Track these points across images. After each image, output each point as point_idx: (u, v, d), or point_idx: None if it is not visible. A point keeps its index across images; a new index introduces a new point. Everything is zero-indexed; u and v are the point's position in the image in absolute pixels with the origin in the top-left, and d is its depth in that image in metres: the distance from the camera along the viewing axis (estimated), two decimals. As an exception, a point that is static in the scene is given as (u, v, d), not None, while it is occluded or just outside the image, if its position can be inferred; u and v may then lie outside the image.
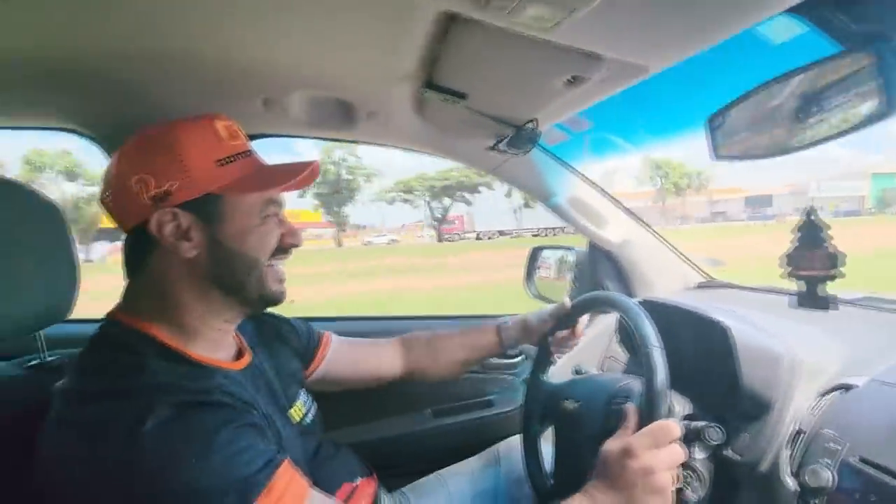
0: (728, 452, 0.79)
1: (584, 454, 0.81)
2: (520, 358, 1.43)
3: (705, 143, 0.65)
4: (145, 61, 0.77)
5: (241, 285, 0.65)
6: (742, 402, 0.80)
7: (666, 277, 1.32)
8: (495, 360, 1.43)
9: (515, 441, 1.05)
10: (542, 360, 1.03)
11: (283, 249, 0.68)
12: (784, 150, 0.51)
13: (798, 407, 0.76)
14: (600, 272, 1.39)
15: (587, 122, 0.96)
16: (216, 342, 0.67)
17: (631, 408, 0.72)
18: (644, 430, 0.66)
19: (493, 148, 1.00)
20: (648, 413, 0.69)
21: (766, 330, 0.85)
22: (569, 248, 1.59)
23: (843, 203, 43.28)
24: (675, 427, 0.66)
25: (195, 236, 0.61)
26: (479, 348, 1.03)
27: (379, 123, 1.05)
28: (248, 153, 0.66)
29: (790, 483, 0.69)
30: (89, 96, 0.87)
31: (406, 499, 0.98)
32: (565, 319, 0.99)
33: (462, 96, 0.83)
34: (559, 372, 1.27)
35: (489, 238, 39.21)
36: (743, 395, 0.80)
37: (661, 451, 0.64)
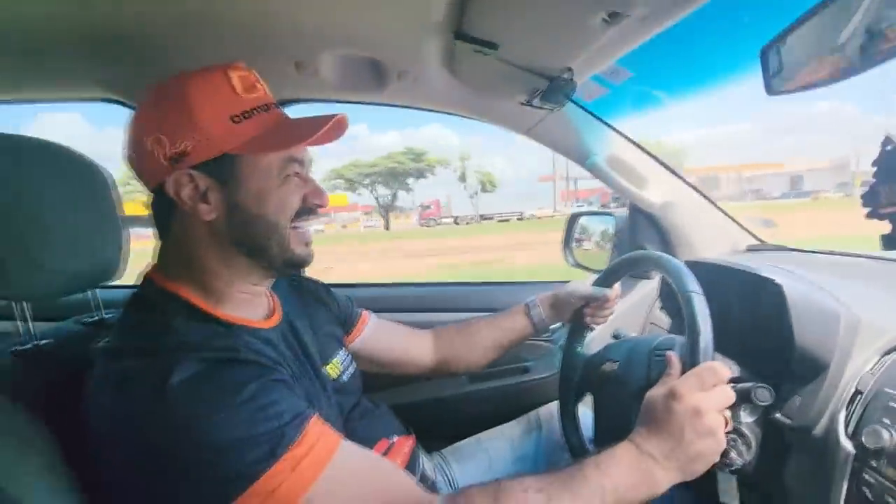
0: (778, 416, 0.75)
1: (626, 414, 0.79)
2: (557, 324, 1.41)
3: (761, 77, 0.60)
4: (179, 26, 0.79)
5: (263, 249, 0.63)
6: (794, 364, 0.75)
7: (712, 240, 1.25)
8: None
9: (555, 406, 1.03)
10: (577, 330, 1.01)
11: (307, 210, 0.65)
12: (849, 73, 0.45)
13: (856, 368, 0.71)
14: (641, 237, 1.34)
15: (627, 72, 0.90)
16: (246, 303, 0.67)
17: (673, 354, 0.69)
18: (689, 372, 0.63)
19: (527, 103, 0.96)
20: (692, 356, 0.66)
21: (822, 288, 0.79)
22: (608, 214, 1.54)
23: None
24: (721, 367, 0.63)
25: (213, 199, 0.60)
26: (511, 331, 1.02)
27: (410, 83, 1.03)
28: (267, 107, 0.63)
29: (847, 445, 0.65)
30: (127, 63, 0.89)
31: (446, 461, 0.99)
32: (598, 287, 0.96)
33: (493, 46, 0.80)
34: (597, 340, 1.24)
35: (467, 223, 38.70)
36: (795, 355, 0.75)
37: (708, 392, 0.61)
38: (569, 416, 0.98)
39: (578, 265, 1.53)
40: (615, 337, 1.07)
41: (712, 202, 1.25)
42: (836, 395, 0.71)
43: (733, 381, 0.80)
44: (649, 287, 1.33)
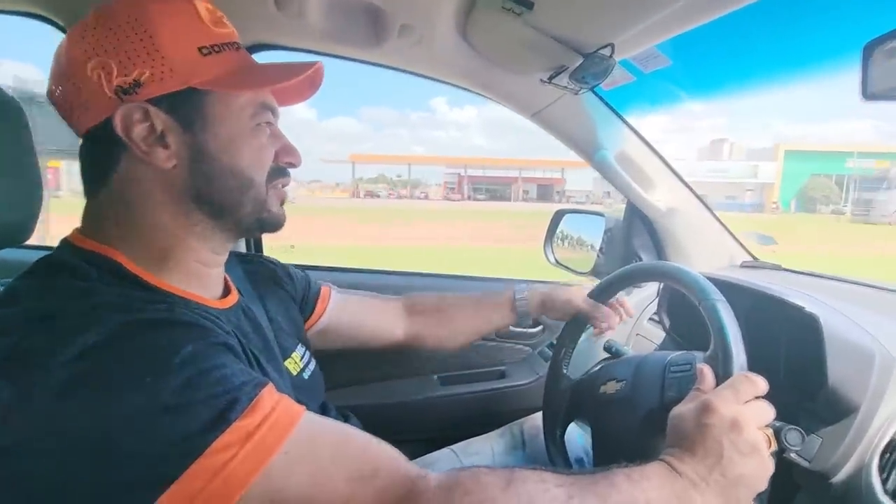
0: (792, 455, 0.69)
1: (635, 439, 0.70)
2: (538, 329, 1.32)
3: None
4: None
5: (234, 207, 0.54)
6: (820, 401, 0.69)
7: (710, 253, 1.19)
8: (511, 328, 1.32)
9: (540, 421, 0.94)
10: (565, 348, 0.91)
11: (280, 170, 0.57)
12: None
13: (889, 413, 0.65)
14: (635, 242, 1.26)
15: (665, 60, 0.79)
16: (197, 276, 0.55)
17: (704, 366, 0.60)
18: (723, 384, 0.55)
19: (548, 81, 0.84)
20: (725, 367, 0.59)
21: (855, 321, 0.73)
22: (598, 214, 1.46)
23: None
24: (759, 380, 0.55)
25: (173, 142, 0.50)
26: (491, 320, 0.93)
27: (412, 42, 0.88)
28: (237, 46, 0.54)
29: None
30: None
31: None
32: (601, 296, 0.88)
33: (528, 5, 0.66)
34: (584, 356, 1.17)
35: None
36: (823, 393, 0.69)
37: (746, 405, 0.53)
38: (555, 441, 0.89)
39: (559, 264, 1.46)
40: (608, 350, 0.98)
41: (714, 214, 1.19)
42: (865, 441, 0.65)
43: None
44: (637, 298, 1.26)
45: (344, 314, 0.85)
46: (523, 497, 0.43)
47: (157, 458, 0.37)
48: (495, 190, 44.46)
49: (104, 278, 0.47)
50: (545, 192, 44.06)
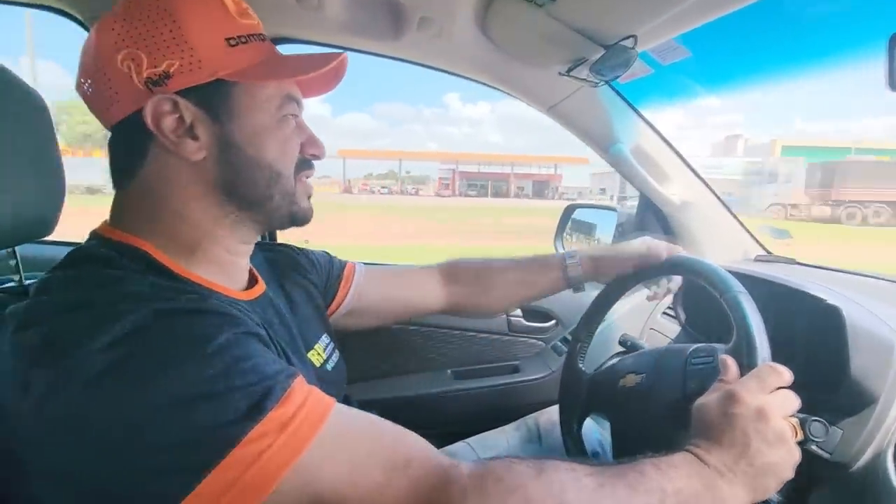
0: (813, 447, 0.69)
1: (657, 433, 0.71)
2: (551, 323, 1.32)
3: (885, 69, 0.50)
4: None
5: (262, 199, 0.54)
6: (842, 393, 0.70)
7: (724, 248, 1.19)
8: (524, 322, 1.32)
9: (555, 414, 0.94)
10: (581, 340, 0.90)
11: (305, 162, 0.57)
12: None
13: (910, 406, 0.66)
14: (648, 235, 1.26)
15: (685, 51, 0.79)
16: (225, 267, 0.55)
17: (728, 357, 0.60)
18: (748, 374, 0.56)
19: (567, 73, 0.84)
20: (749, 357, 0.59)
21: (874, 314, 0.73)
22: (611, 209, 1.46)
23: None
24: (784, 370, 0.55)
25: (202, 134, 0.50)
26: (538, 286, 0.88)
27: (431, 35, 0.88)
28: (262, 37, 0.54)
29: (910, 494, 0.59)
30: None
31: None
32: (647, 272, 0.84)
33: (550, -3, 0.66)
34: (598, 350, 1.16)
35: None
36: (846, 385, 0.69)
37: (771, 395, 0.53)
38: (572, 435, 0.89)
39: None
40: (623, 344, 0.98)
41: (728, 208, 1.18)
42: (882, 431, 0.66)
43: None
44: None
45: (371, 289, 0.83)
46: (555, 485, 0.43)
47: (191, 447, 0.37)
48: (488, 186, 44.08)
49: (134, 268, 0.47)
50: (541, 188, 43.71)
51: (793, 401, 0.54)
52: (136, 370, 0.38)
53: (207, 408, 0.38)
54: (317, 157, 0.59)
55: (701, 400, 0.56)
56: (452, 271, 0.89)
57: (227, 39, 0.50)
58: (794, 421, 0.54)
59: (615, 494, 0.45)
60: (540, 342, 1.31)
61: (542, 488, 0.43)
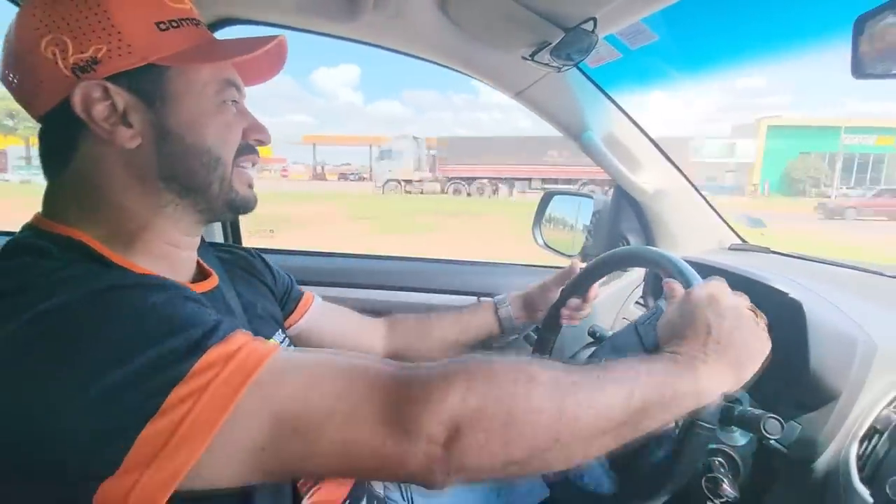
0: (771, 443, 0.68)
1: None
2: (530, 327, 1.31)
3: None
4: None
5: (202, 187, 0.53)
6: (800, 389, 0.68)
7: (698, 236, 1.17)
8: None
9: None
10: (546, 336, 0.90)
11: (248, 147, 0.57)
12: None
13: (869, 401, 0.65)
14: (623, 225, 1.24)
15: (652, 35, 0.76)
16: (167, 259, 0.54)
17: (671, 280, 0.62)
18: (696, 286, 0.59)
19: (529, 58, 0.80)
20: (686, 282, 0.61)
21: (837, 307, 0.72)
22: (587, 196, 1.44)
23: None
24: (724, 282, 0.59)
25: (136, 121, 0.49)
26: (475, 329, 0.92)
27: (388, 16, 0.83)
28: (196, 21, 0.53)
29: (864, 493, 0.58)
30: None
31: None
32: (577, 285, 0.86)
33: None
34: (572, 339, 1.16)
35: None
36: (805, 380, 0.68)
37: (713, 285, 0.57)
38: None
39: (547, 247, 1.44)
40: (592, 335, 0.97)
41: (703, 197, 1.16)
42: (845, 428, 0.65)
43: (730, 401, 0.73)
44: (624, 281, 1.25)
45: (325, 323, 0.83)
46: (522, 363, 0.44)
47: (136, 396, 0.36)
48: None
49: (72, 258, 0.45)
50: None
51: (743, 299, 0.58)
52: (65, 335, 0.37)
53: (150, 354, 0.37)
54: (262, 143, 0.58)
55: (660, 320, 0.59)
56: (395, 323, 0.93)
57: (157, 23, 0.49)
58: (750, 306, 0.58)
59: (586, 372, 0.46)
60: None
61: (507, 364, 0.44)
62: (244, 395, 0.38)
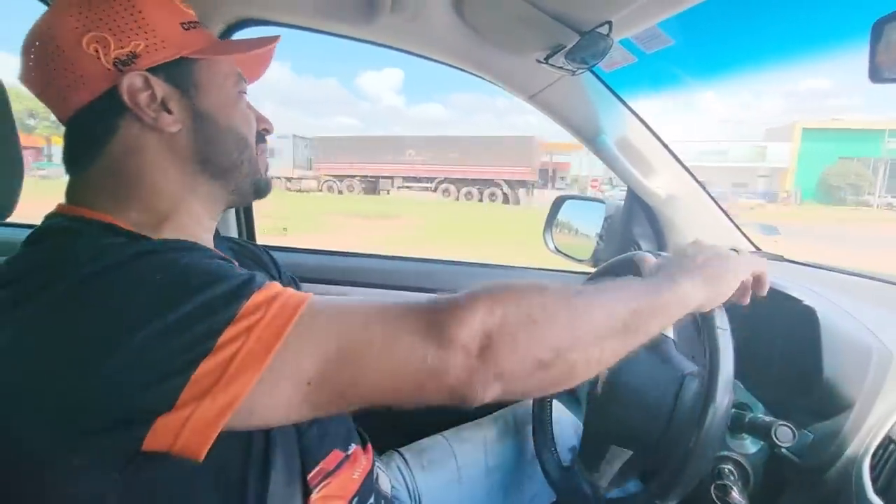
0: (783, 451, 0.67)
1: (630, 425, 0.72)
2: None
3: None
4: None
5: (233, 168, 0.58)
6: (814, 397, 0.68)
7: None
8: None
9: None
10: None
11: (260, 136, 0.63)
12: None
13: (884, 411, 0.64)
14: (635, 230, 1.23)
15: (668, 39, 0.76)
16: (191, 239, 0.55)
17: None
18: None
19: (544, 61, 0.80)
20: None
21: (852, 315, 0.71)
22: (599, 201, 1.43)
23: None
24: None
25: (175, 108, 0.54)
26: None
27: (406, 19, 0.84)
28: (203, 25, 0.59)
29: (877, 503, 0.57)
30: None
31: (407, 467, 0.87)
32: None
33: (522, -20, 0.63)
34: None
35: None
36: (819, 389, 0.67)
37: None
38: (542, 426, 0.87)
39: (558, 251, 1.43)
40: None
41: (717, 203, 1.15)
42: (859, 438, 0.63)
43: (739, 407, 0.72)
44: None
45: None
46: (534, 284, 0.48)
47: (190, 338, 0.39)
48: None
49: (104, 235, 0.49)
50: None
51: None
52: (108, 295, 0.40)
53: (197, 301, 0.40)
54: (268, 132, 0.64)
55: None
56: None
57: (181, 23, 0.55)
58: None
59: (587, 285, 0.53)
60: None
61: (522, 281, 0.48)
62: (290, 331, 0.40)
